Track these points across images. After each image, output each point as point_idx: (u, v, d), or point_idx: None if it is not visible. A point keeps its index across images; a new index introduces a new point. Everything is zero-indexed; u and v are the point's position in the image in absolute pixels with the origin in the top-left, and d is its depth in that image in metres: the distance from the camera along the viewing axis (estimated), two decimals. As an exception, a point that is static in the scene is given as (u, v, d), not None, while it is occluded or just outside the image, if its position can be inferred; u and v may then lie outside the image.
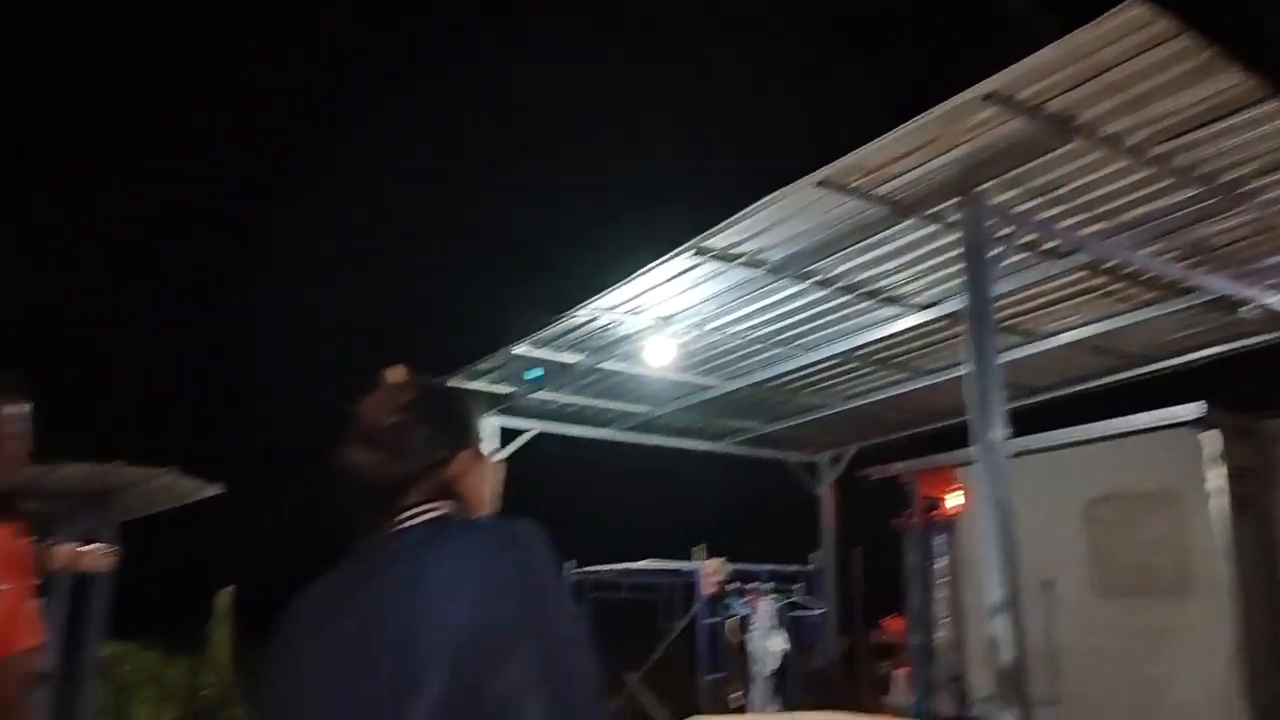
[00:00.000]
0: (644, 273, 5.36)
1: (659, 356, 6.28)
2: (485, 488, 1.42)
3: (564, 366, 6.91)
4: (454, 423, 1.41)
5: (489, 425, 7.75)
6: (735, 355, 6.91)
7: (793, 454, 9.52)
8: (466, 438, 1.41)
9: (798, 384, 7.69)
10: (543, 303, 6.46)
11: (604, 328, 6.22)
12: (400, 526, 1.30)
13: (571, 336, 6.41)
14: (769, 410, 8.47)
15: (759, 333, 6.48)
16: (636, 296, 5.72)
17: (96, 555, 2.56)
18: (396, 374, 1.41)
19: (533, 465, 8.77)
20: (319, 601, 1.29)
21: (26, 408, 2.36)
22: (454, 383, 7.18)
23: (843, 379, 7.64)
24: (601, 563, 8.83)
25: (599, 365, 6.84)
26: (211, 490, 4.81)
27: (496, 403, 7.67)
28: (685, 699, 7.38)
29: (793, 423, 8.64)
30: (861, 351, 6.84)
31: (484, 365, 7.01)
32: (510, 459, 7.87)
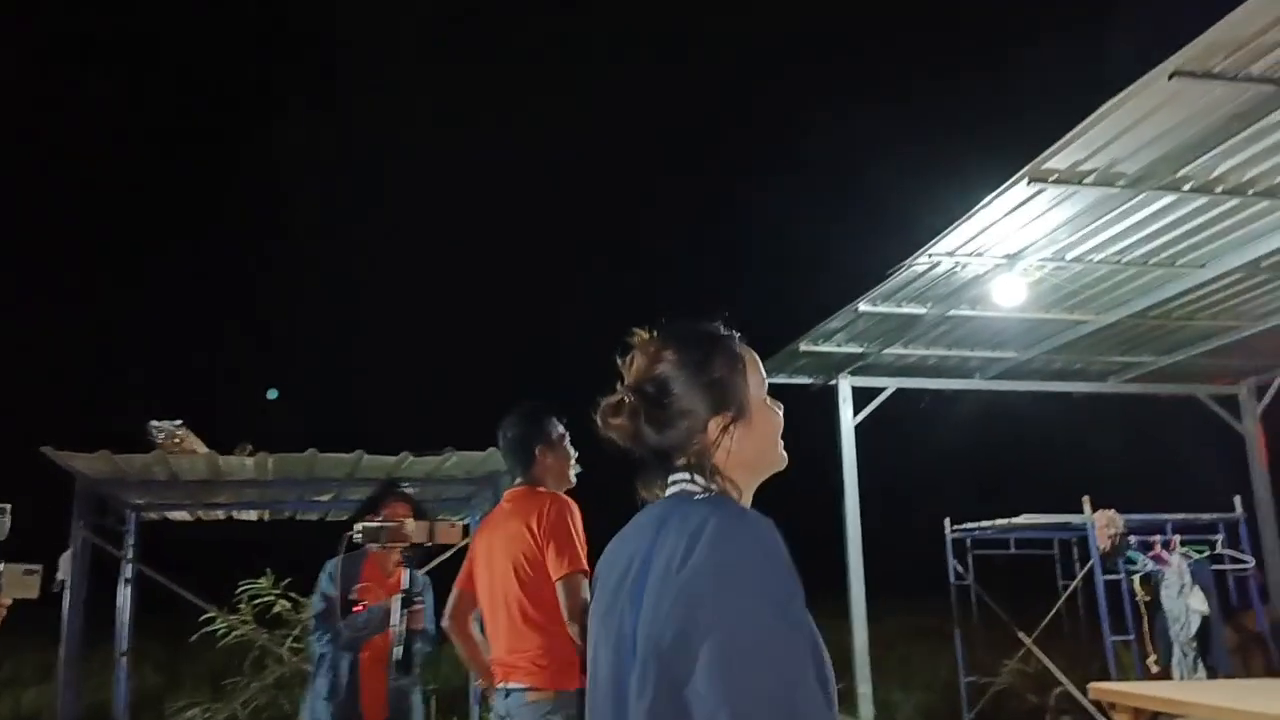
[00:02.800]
0: (980, 210, 4.96)
1: (1010, 297, 5.78)
2: (750, 448, 1.32)
3: (912, 318, 6.61)
4: (708, 386, 1.32)
5: (842, 386, 7.64)
6: (1106, 284, 6.15)
7: (1202, 387, 8.29)
8: (724, 398, 1.32)
9: (1194, 307, 6.68)
10: (877, 252, 6.21)
11: (946, 273, 5.85)
12: (652, 499, 1.34)
13: (914, 286, 6.11)
14: (1163, 341, 7.46)
15: (1131, 255, 5.71)
16: (975, 236, 5.31)
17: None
18: (645, 338, 1.37)
19: (900, 423, 8.51)
20: (613, 550, 1.37)
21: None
22: (805, 346, 7.16)
23: (1253, 295, 6.49)
24: (984, 518, 8.33)
25: (948, 313, 6.45)
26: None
27: (851, 362, 7.54)
28: (1089, 663, 6.76)
29: (1197, 351, 7.52)
30: (1271, 260, 5.77)
31: (834, 324, 6.87)
32: (869, 418, 7.71)
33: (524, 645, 2.89)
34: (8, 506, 2.46)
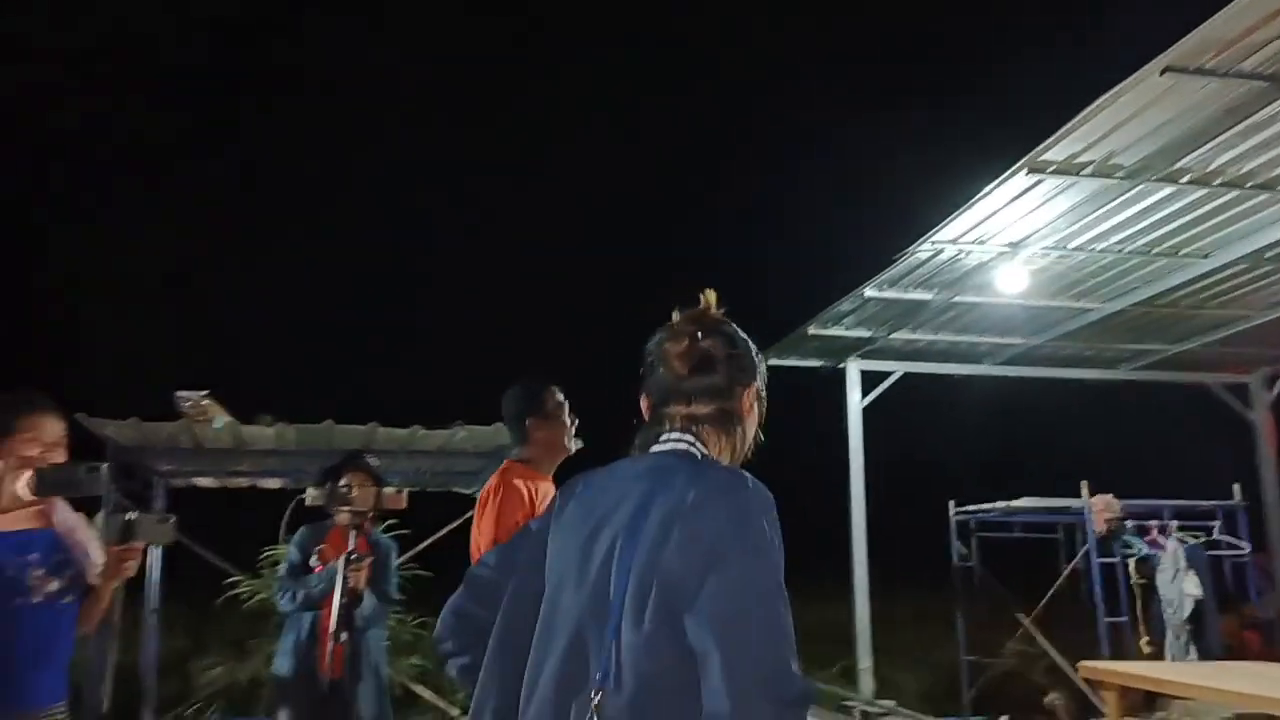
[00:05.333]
0: (980, 199, 5.06)
1: (1013, 284, 5.88)
2: (753, 426, 1.55)
3: (918, 304, 6.72)
4: (755, 357, 1.56)
5: (850, 370, 7.78)
6: (1111, 273, 6.23)
7: (1213, 375, 8.33)
8: (756, 375, 1.55)
9: (1202, 296, 6.73)
10: (882, 240, 6.32)
11: (950, 260, 5.95)
12: (660, 446, 1.45)
13: (918, 273, 6.22)
14: (1173, 329, 7.50)
15: (1134, 245, 5.78)
16: (978, 225, 5.42)
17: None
18: (713, 297, 1.57)
19: (910, 407, 8.61)
20: (591, 488, 1.47)
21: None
22: (814, 329, 7.30)
23: (1261, 285, 6.54)
24: (991, 501, 8.44)
25: (954, 299, 6.55)
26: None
27: (860, 346, 7.65)
28: (1084, 643, 6.88)
29: (1207, 340, 7.57)
30: (1275, 251, 5.82)
31: (842, 308, 6.99)
32: (876, 401, 7.84)
33: None
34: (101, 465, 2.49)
